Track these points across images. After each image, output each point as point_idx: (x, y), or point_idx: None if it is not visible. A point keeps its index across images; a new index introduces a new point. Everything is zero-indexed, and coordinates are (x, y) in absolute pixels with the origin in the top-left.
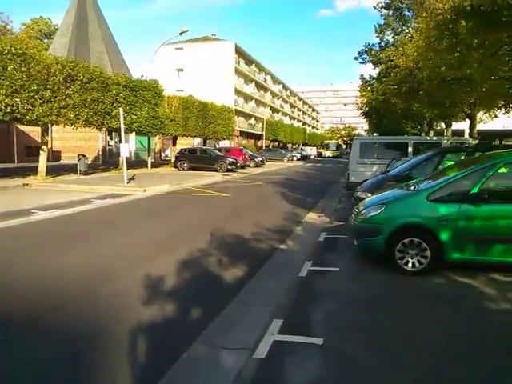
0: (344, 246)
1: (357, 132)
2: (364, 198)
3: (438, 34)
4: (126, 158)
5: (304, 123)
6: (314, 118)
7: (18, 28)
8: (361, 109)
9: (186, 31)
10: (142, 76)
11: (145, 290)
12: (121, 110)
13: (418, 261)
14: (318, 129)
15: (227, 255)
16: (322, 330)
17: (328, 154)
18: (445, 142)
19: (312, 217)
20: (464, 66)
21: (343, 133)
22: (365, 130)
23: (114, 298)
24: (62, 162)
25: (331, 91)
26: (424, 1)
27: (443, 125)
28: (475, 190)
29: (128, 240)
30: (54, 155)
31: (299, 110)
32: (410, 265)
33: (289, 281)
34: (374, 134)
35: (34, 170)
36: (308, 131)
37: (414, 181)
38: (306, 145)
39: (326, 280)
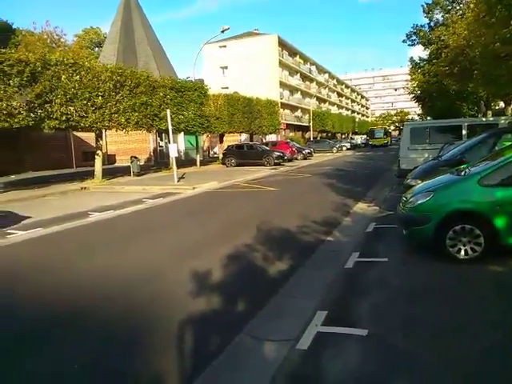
0: (394, 236)
1: (410, 117)
2: (414, 186)
3: (488, 8)
4: (176, 157)
5: (353, 111)
6: (363, 106)
7: (71, 40)
8: (412, 92)
9: (227, 29)
10: (188, 77)
11: (194, 282)
12: (168, 111)
13: (471, 248)
14: (368, 116)
15: (273, 249)
16: (366, 321)
17: (372, 142)
18: (502, 122)
19: (361, 207)
20: None
21: (395, 118)
22: (418, 115)
23: (166, 289)
24: (116, 164)
25: (380, 76)
26: None
27: (502, 104)
28: None
29: (178, 236)
30: (109, 158)
31: (347, 98)
32: (462, 252)
33: (334, 272)
34: (428, 118)
35: (90, 174)
36: (357, 119)
37: (465, 165)
38: (355, 133)
39: (373, 271)
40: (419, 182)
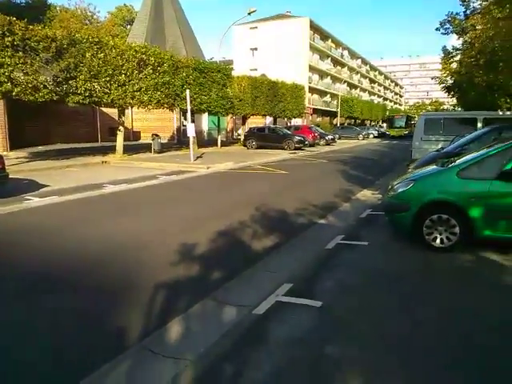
0: (383, 223)
1: (445, 107)
2: None
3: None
4: (199, 136)
5: (385, 99)
6: (396, 93)
7: (104, 17)
8: (442, 82)
9: (254, 11)
10: (212, 58)
11: (181, 252)
12: (187, 91)
13: (447, 237)
14: (401, 104)
15: (264, 227)
16: (324, 295)
17: (390, 133)
18: None
19: (365, 194)
20: None
21: (429, 108)
22: (451, 105)
23: (153, 256)
24: (141, 141)
25: (417, 64)
26: None
27: None
28: (508, 167)
29: (178, 211)
30: (134, 135)
31: (380, 84)
32: (438, 241)
33: (314, 252)
34: (458, 109)
35: (113, 149)
36: (390, 107)
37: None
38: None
39: (350, 253)
40: None
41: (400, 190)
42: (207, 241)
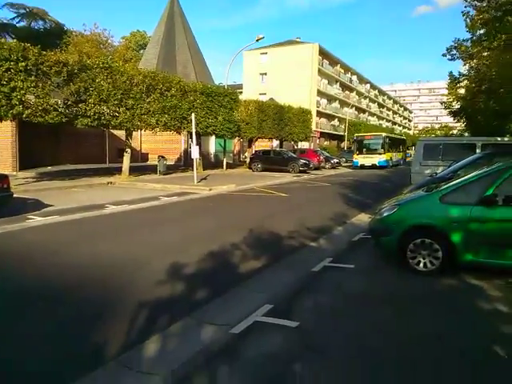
0: (372, 246)
1: (454, 132)
2: None
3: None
4: (206, 159)
5: (394, 123)
6: (405, 118)
7: (118, 41)
8: (449, 108)
9: (262, 38)
10: (220, 83)
11: (170, 272)
12: (193, 115)
13: (430, 261)
14: (410, 129)
15: (254, 249)
16: (302, 316)
17: (358, 161)
18: None
19: (361, 218)
20: None
21: (439, 133)
22: (459, 130)
23: (143, 276)
24: (148, 162)
25: (426, 89)
26: None
27: None
28: (489, 193)
29: (173, 232)
30: (142, 156)
31: (388, 109)
32: (421, 265)
33: (300, 274)
34: (465, 134)
35: (120, 170)
36: (398, 131)
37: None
38: None
39: (334, 275)
40: None
41: (385, 214)
42: (195, 261)
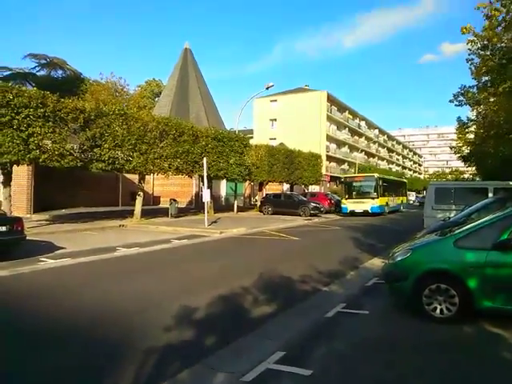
0: (387, 291)
1: (465, 176)
2: None
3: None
4: (217, 202)
5: (404, 167)
6: (415, 162)
7: (133, 89)
8: (458, 152)
9: (271, 86)
10: (232, 129)
11: (180, 316)
12: (204, 160)
13: (447, 307)
14: (420, 173)
15: (266, 293)
16: (315, 363)
17: (349, 206)
18: None
19: (374, 262)
20: None
21: (449, 177)
22: (470, 174)
23: (153, 319)
24: (160, 205)
25: (435, 134)
26: None
27: None
28: (504, 237)
29: (184, 275)
30: (154, 200)
31: (398, 154)
32: (438, 311)
33: (313, 320)
34: (477, 179)
35: (132, 213)
36: (408, 175)
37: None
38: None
39: (348, 322)
40: None
41: (398, 259)
42: (205, 306)
